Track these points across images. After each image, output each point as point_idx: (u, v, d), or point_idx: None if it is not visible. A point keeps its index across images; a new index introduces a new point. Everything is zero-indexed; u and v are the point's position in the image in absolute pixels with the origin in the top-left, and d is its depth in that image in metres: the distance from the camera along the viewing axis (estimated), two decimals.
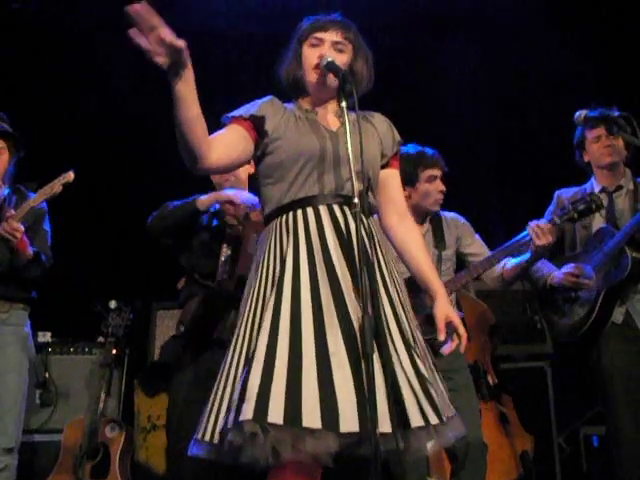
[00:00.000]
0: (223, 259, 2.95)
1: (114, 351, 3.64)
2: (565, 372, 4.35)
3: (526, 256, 3.16)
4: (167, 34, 1.79)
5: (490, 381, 3.93)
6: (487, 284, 3.41)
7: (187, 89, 1.92)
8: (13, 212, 2.94)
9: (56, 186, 2.92)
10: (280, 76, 2.31)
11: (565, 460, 4.30)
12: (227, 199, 2.97)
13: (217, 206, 3.03)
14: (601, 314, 3.23)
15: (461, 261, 3.35)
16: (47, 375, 3.98)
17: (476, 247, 3.31)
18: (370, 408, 1.84)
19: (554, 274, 3.34)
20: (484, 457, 3.13)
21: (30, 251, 3.03)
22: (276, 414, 1.84)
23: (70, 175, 2.93)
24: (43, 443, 3.88)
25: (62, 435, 3.76)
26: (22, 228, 2.93)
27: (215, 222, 3.06)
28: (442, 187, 3.25)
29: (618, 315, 3.24)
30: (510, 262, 3.25)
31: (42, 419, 3.94)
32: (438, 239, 3.28)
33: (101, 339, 3.91)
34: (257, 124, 2.20)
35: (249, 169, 3.10)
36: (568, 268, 3.31)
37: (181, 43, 1.81)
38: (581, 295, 3.30)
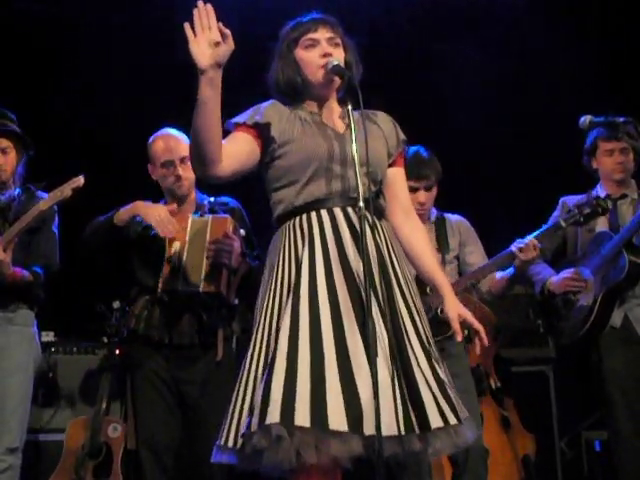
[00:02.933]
0: (162, 270, 2.93)
1: (117, 351, 3.63)
2: (567, 376, 4.34)
3: (511, 271, 3.20)
4: (227, 31, 1.94)
5: (492, 384, 3.93)
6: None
7: (215, 94, 2.01)
8: None
9: (66, 190, 2.92)
10: (273, 86, 2.31)
11: (567, 464, 4.31)
12: (151, 224, 2.93)
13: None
14: (599, 317, 3.27)
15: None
16: (50, 375, 3.99)
17: (475, 257, 3.31)
18: (376, 412, 1.84)
19: (552, 279, 3.38)
20: (484, 462, 3.13)
21: (25, 278, 3.05)
22: (303, 417, 1.84)
23: (80, 180, 2.92)
24: (46, 442, 3.87)
25: (65, 435, 3.76)
26: (7, 259, 2.92)
27: (153, 232, 3.00)
28: (420, 199, 3.20)
29: (617, 319, 3.27)
30: (498, 275, 3.27)
31: (45, 419, 3.93)
32: (441, 242, 3.28)
33: (104, 339, 3.92)
34: (262, 131, 2.21)
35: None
36: (565, 272, 3.34)
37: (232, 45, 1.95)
38: (580, 298, 3.33)
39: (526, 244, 3.06)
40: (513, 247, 3.09)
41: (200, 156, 2.08)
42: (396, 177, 2.35)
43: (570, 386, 4.32)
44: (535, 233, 3.13)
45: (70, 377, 4.01)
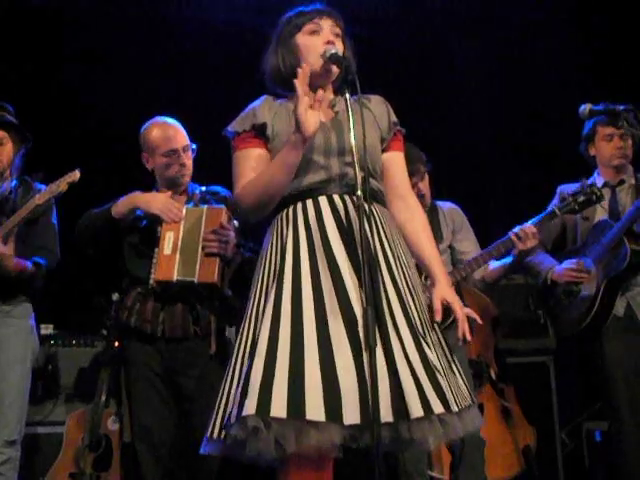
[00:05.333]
0: (155, 261, 2.92)
1: (116, 343, 3.62)
2: (568, 367, 4.34)
3: (508, 259, 3.19)
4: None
5: (493, 375, 3.92)
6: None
7: (299, 159, 2.07)
8: None
9: (62, 185, 2.94)
10: (271, 73, 2.28)
11: (567, 455, 4.30)
12: (153, 214, 2.94)
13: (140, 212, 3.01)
14: (602, 307, 3.26)
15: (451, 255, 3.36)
16: (49, 367, 3.98)
17: (467, 245, 3.31)
18: (373, 401, 1.82)
19: (555, 269, 3.37)
20: (481, 451, 3.14)
21: (28, 269, 3.04)
22: (279, 408, 1.83)
23: (76, 174, 2.94)
24: (45, 435, 3.88)
25: (64, 427, 3.76)
26: (8, 251, 2.94)
27: (144, 223, 3.02)
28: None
29: (619, 308, 3.26)
30: (493, 264, 3.26)
31: (44, 411, 3.94)
32: (435, 231, 3.26)
33: (103, 332, 3.91)
34: (262, 131, 2.21)
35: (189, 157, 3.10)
36: (568, 263, 3.33)
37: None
38: (582, 288, 3.31)
39: (524, 232, 3.05)
40: (511, 234, 3.08)
41: (266, 205, 2.16)
42: (391, 162, 2.32)
43: (571, 377, 4.32)
44: (531, 221, 3.13)
45: (69, 370, 4.01)
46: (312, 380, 1.87)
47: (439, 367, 2.02)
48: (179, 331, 2.95)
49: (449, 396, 1.97)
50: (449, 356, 2.14)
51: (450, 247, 3.32)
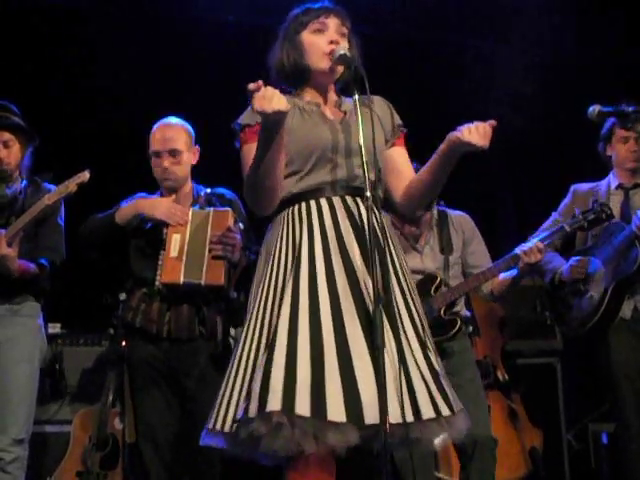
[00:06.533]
0: (161, 263, 2.92)
1: (124, 343, 3.63)
2: (575, 368, 4.34)
3: (515, 271, 3.19)
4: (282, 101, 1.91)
5: (500, 377, 3.92)
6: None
7: (281, 135, 1.99)
8: (2, 232, 2.94)
9: (71, 185, 2.94)
10: (276, 68, 2.27)
11: (574, 457, 4.30)
12: (159, 220, 2.95)
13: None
14: (610, 308, 3.25)
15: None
16: (57, 366, 3.99)
17: (477, 258, 3.31)
18: (381, 401, 1.83)
19: (562, 268, 3.36)
20: (493, 452, 3.12)
21: (31, 271, 3.05)
22: (303, 406, 1.84)
23: (85, 175, 2.93)
24: (53, 434, 3.89)
25: (72, 426, 3.77)
26: (12, 253, 2.93)
27: (149, 225, 3.02)
28: None
29: (626, 311, 3.26)
30: (500, 275, 3.26)
31: (51, 410, 3.95)
32: (445, 243, 3.27)
33: (111, 331, 3.91)
34: None
35: (192, 159, 3.09)
36: (572, 261, 3.33)
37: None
38: (590, 289, 3.31)
39: (530, 248, 3.07)
40: (518, 250, 3.10)
41: (263, 197, 2.11)
42: (395, 154, 2.30)
43: (577, 378, 4.32)
44: (539, 236, 3.15)
45: (76, 369, 4.02)
46: (332, 379, 1.88)
47: (440, 370, 2.05)
48: (185, 332, 2.96)
49: (452, 399, 2.01)
50: (440, 362, 2.15)
51: (460, 258, 3.31)
